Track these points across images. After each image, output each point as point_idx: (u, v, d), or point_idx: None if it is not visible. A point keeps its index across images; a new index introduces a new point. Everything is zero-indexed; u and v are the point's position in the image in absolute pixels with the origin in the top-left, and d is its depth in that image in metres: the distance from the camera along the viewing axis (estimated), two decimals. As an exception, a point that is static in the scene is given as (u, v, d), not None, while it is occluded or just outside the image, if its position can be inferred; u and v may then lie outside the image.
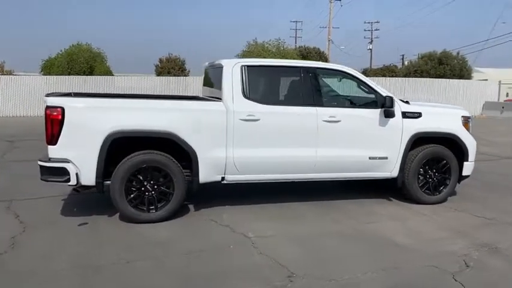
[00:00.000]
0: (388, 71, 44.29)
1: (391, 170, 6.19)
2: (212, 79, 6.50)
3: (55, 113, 5.07)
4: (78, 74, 26.27)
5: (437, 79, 28.26)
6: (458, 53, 39.42)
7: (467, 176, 6.56)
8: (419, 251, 4.65)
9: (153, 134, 5.36)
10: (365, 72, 43.70)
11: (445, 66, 34.28)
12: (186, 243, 4.83)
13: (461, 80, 28.59)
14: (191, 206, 6.02)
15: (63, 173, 5.16)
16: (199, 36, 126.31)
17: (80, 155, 5.16)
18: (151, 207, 5.39)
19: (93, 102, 5.53)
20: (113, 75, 27.82)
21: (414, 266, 4.30)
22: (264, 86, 6.10)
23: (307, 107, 5.82)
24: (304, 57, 39.95)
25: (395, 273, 4.14)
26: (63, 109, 5.07)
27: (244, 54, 34.68)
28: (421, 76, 31.65)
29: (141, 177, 5.34)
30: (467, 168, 6.48)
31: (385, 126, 6.05)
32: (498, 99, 26.71)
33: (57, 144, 5.12)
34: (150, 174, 5.36)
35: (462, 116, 6.47)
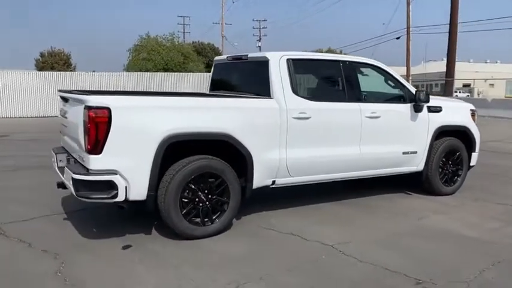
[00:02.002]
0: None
1: (418, 164, 6.26)
2: (238, 74, 5.93)
3: (101, 115, 4.15)
4: None
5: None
6: (341, 51, 42.19)
7: (472, 166, 6.92)
8: (498, 243, 4.73)
9: (210, 136, 4.70)
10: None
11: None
12: (271, 257, 4.30)
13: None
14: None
15: (109, 187, 4.25)
16: (85, 30, 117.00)
17: (129, 164, 4.30)
18: (205, 220, 4.74)
19: (145, 102, 4.64)
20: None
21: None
22: (310, 81, 5.73)
23: (352, 103, 5.61)
24: (199, 53, 39.45)
25: (508, 266, 4.15)
26: (109, 110, 4.18)
27: (137, 49, 33.07)
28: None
29: (194, 187, 4.65)
30: (474, 158, 6.84)
31: (416, 121, 6.10)
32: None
33: (102, 153, 4.20)
34: (204, 183, 4.70)
35: (470, 109, 6.80)
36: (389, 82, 6.15)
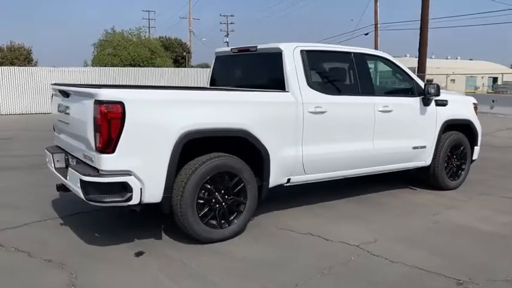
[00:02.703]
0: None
1: (426, 158, 6.14)
2: (245, 67, 5.62)
3: (114, 110, 3.76)
4: None
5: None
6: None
7: (474, 160, 6.89)
8: (516, 237, 4.67)
9: (228, 132, 4.38)
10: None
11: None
12: (299, 261, 4.03)
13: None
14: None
15: (123, 189, 3.87)
16: (47, 24, 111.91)
17: (144, 164, 3.93)
18: (222, 222, 4.42)
19: (160, 95, 4.24)
20: None
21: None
22: (324, 73, 5.47)
23: (365, 97, 5.41)
24: (166, 48, 38.61)
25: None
26: (123, 105, 3.79)
27: (102, 44, 32.00)
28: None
29: (210, 187, 4.33)
30: (476, 152, 6.81)
31: (424, 115, 5.97)
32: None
33: (115, 152, 3.81)
34: (221, 182, 4.38)
35: (473, 103, 6.74)
36: (398, 75, 6.00)
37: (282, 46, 4.94)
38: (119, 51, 30.26)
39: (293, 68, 4.87)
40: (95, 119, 3.78)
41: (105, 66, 26.71)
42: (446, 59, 61.45)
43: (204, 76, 25.57)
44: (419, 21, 21.86)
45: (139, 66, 28.04)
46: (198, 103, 4.27)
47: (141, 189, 3.92)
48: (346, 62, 5.48)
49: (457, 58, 63.40)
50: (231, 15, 51.89)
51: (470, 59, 64.54)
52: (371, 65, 5.99)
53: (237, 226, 4.49)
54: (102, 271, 3.78)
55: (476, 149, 6.77)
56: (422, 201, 5.96)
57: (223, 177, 4.37)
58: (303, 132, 4.86)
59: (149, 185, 3.95)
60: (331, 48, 5.49)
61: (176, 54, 39.21)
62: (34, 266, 3.87)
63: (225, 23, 52.04)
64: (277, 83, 4.93)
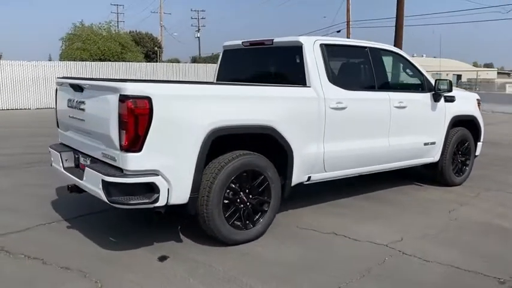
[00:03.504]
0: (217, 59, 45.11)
1: (434, 154, 6.11)
2: (260, 61, 5.40)
3: (141, 106, 3.50)
4: None
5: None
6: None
7: (477, 156, 6.92)
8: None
9: (254, 129, 4.17)
10: (195, 60, 43.53)
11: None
12: (333, 262, 3.87)
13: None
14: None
15: (150, 190, 3.62)
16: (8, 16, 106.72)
17: (172, 163, 3.68)
18: (247, 222, 4.23)
19: (188, 90, 3.97)
20: None
21: None
22: (342, 68, 5.32)
23: (381, 92, 5.31)
24: (137, 43, 37.74)
25: None
26: (150, 100, 3.53)
27: (70, 38, 30.96)
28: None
29: (235, 186, 4.12)
30: (479, 148, 6.84)
31: (435, 111, 5.93)
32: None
33: (142, 150, 3.55)
34: (246, 181, 4.18)
35: (476, 99, 6.77)
36: (409, 70, 5.93)
37: (302, 39, 4.76)
38: (88, 45, 29.35)
39: (314, 62, 4.70)
40: (120, 115, 3.50)
41: (74, 60, 25.79)
42: (413, 56, 62.73)
43: (178, 71, 25.13)
44: (395, 19, 22.11)
45: (110, 61, 27.23)
46: (226, 98, 4.05)
47: (168, 189, 3.67)
48: (362, 56, 5.35)
49: (422, 56, 64.83)
50: (202, 11, 51.25)
51: (435, 57, 66.14)
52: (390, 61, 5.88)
53: (261, 226, 4.31)
54: (128, 279, 3.51)
55: (479, 144, 6.81)
56: (433, 198, 5.93)
57: (248, 176, 4.17)
58: (325, 128, 4.71)
59: (176, 186, 3.71)
60: (349, 43, 5.36)
61: (147, 49, 38.37)
62: (52, 275, 3.57)
63: (196, 18, 51.37)
64: (297, 78, 4.75)
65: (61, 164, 4.48)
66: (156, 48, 39.78)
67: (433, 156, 6.10)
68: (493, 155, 9.02)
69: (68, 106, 4.36)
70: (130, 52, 31.84)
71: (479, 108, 6.79)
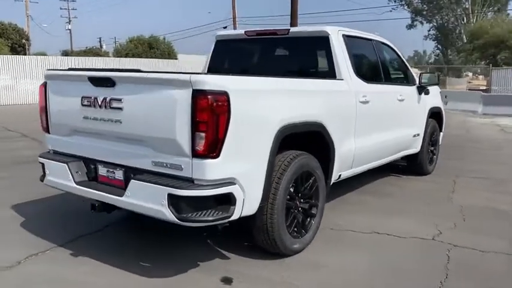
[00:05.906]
0: (92, 54, 42.35)
1: (417, 145, 6.28)
2: (270, 53, 4.97)
3: (221, 103, 2.92)
4: None
5: (149, 59, 28.85)
6: (164, 39, 41.29)
7: (439, 145, 7.30)
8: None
9: (309, 126, 3.78)
10: (67, 54, 40.07)
11: (155, 50, 36.34)
12: (402, 264, 3.69)
13: (166, 60, 30.03)
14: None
15: (226, 202, 3.07)
16: None
17: (248, 168, 3.16)
18: (301, 230, 3.84)
19: (261, 84, 3.38)
20: None
21: None
22: (361, 61, 5.09)
23: (389, 85, 5.29)
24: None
25: None
26: (227, 96, 2.97)
27: None
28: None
29: (292, 190, 3.71)
30: (441, 138, 7.22)
31: (419, 104, 6.09)
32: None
33: (220, 156, 2.98)
34: (300, 185, 3.79)
35: (440, 92, 7.12)
36: (397, 63, 5.99)
37: (328, 29, 4.48)
38: None
39: (341, 53, 4.46)
40: (194, 114, 2.89)
41: None
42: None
43: (48, 65, 22.33)
44: (289, 16, 22.75)
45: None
46: (293, 93, 3.62)
47: (243, 200, 3.15)
48: (371, 49, 5.24)
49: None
50: (73, 1, 47.20)
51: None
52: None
53: (312, 232, 3.96)
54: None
55: (441, 134, 7.19)
56: (422, 188, 6.07)
57: (303, 178, 3.79)
58: (355, 123, 4.50)
59: (250, 195, 3.20)
60: (362, 35, 5.17)
61: (12, 42, 34.18)
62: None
63: (65, 9, 47.21)
64: (323, 71, 4.47)
65: (71, 178, 3.59)
66: (23, 40, 35.73)
67: (417, 147, 6.27)
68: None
69: (83, 105, 3.49)
70: (-8, 44, 28.16)
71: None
